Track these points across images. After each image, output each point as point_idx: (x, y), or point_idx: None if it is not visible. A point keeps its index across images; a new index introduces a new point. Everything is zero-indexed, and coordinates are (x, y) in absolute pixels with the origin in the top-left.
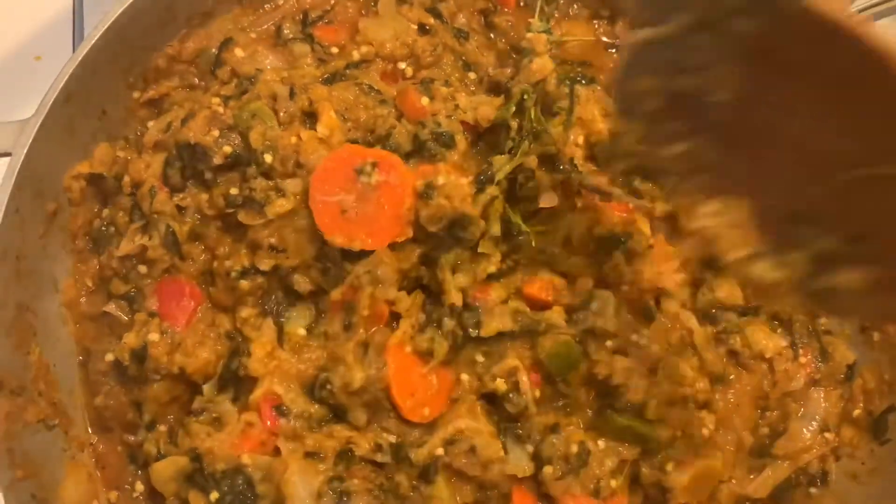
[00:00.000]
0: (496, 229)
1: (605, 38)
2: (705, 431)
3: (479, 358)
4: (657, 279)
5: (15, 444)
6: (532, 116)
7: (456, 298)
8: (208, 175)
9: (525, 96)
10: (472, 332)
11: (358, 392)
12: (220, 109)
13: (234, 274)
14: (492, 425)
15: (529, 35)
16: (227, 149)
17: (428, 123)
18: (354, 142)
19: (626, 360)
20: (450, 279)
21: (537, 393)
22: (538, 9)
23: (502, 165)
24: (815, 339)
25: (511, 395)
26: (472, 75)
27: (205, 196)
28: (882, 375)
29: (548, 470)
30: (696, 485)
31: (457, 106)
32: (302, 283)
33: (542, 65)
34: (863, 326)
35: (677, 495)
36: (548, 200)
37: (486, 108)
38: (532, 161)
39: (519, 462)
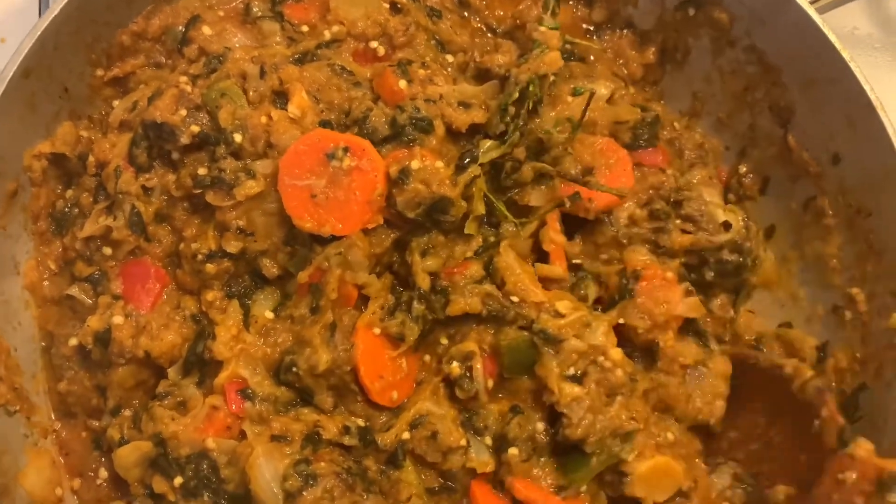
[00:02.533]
0: (480, 208)
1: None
2: (670, 436)
3: (443, 340)
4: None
5: None
6: (529, 107)
7: (423, 282)
8: (175, 155)
9: (531, 86)
10: (440, 314)
11: (324, 374)
12: (188, 88)
13: (200, 257)
14: (454, 410)
15: (543, 29)
16: (195, 128)
17: (407, 108)
18: (328, 123)
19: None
20: (418, 262)
21: (490, 382)
22: (550, 8)
23: (489, 149)
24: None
25: (464, 381)
26: (449, 58)
27: (172, 177)
28: (854, 354)
29: (512, 452)
30: (654, 478)
31: (441, 96)
32: (269, 267)
33: (554, 59)
34: (835, 306)
35: (633, 482)
36: (536, 199)
37: (474, 113)
38: (520, 152)
39: (481, 456)
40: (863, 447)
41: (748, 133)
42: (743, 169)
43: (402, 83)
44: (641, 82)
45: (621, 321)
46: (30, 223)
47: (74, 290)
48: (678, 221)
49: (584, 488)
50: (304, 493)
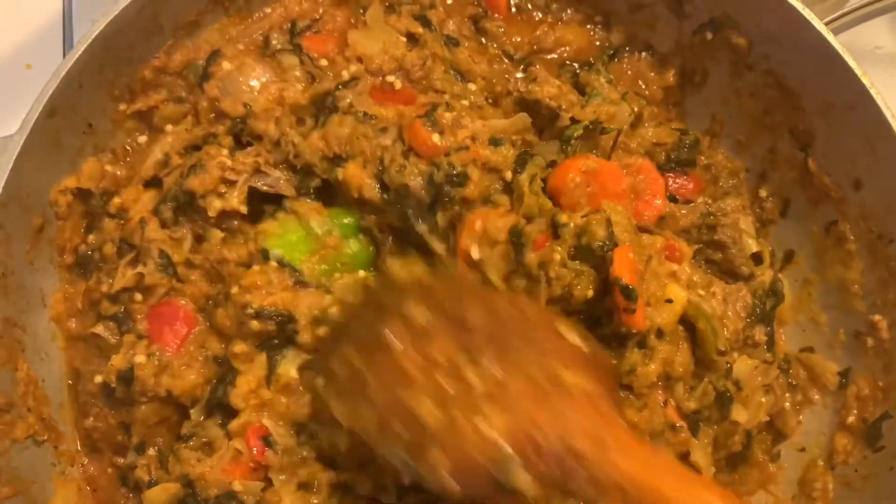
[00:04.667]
0: (547, 203)
1: (597, 43)
2: None
3: None
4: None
5: (3, 461)
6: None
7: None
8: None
9: (591, 125)
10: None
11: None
12: (228, 162)
13: (250, 311)
14: None
15: (605, 82)
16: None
17: (442, 166)
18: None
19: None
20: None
21: None
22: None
23: (551, 151)
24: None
25: None
26: (471, 86)
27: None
28: (876, 382)
29: None
30: None
31: (473, 138)
32: (307, 338)
33: (617, 113)
34: (857, 332)
35: None
36: None
37: (503, 151)
38: None
39: None
40: None
41: (768, 156)
42: (763, 192)
43: (436, 137)
44: (663, 104)
45: None
46: (56, 256)
47: (99, 329)
48: (708, 250)
49: None
50: None
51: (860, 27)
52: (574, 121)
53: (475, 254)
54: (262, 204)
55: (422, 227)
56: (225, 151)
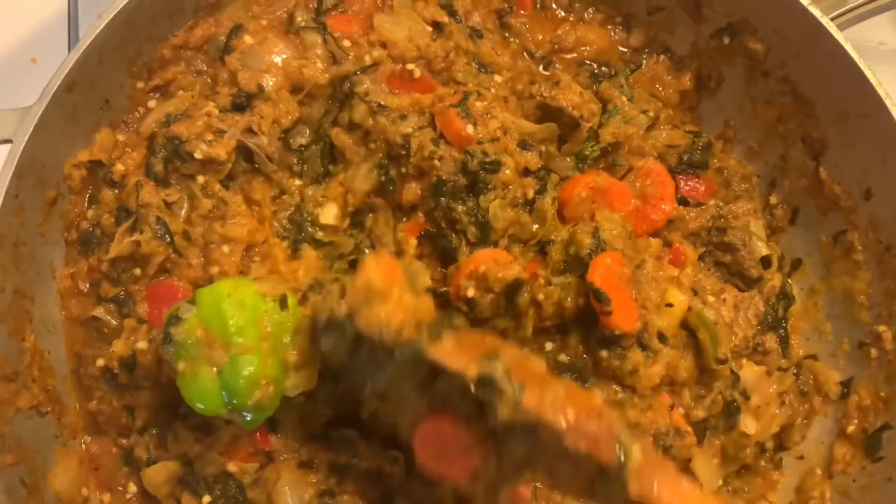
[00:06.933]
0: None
1: (621, 48)
2: None
3: None
4: None
5: (6, 429)
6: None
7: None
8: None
9: (609, 147)
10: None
11: None
12: (215, 112)
13: None
14: None
15: (626, 100)
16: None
17: (475, 154)
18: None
19: None
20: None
21: None
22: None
23: (566, 167)
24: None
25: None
26: (497, 78)
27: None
28: (878, 392)
29: None
30: None
31: (505, 131)
32: None
33: (634, 135)
34: (861, 342)
35: None
36: None
37: (530, 157)
38: None
39: None
40: None
41: (780, 163)
42: (774, 199)
43: (470, 128)
44: (678, 107)
45: None
46: (66, 230)
47: (99, 312)
48: (718, 252)
49: None
50: None
51: (863, 24)
52: (593, 134)
53: (470, 293)
54: None
55: (459, 209)
56: (212, 104)
